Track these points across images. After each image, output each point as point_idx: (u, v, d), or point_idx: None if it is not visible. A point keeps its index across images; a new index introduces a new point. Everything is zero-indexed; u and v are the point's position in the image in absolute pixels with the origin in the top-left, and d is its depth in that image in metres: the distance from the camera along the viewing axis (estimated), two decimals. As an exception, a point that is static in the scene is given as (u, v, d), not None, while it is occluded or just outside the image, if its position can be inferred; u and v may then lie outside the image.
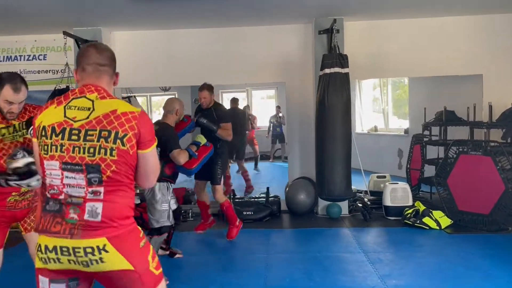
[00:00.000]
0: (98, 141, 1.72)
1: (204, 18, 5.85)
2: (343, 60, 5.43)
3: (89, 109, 1.76)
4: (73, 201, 1.72)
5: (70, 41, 5.86)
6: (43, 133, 1.76)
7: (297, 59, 6.34)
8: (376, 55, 6.23)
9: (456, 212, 5.40)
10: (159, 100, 13.85)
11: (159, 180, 3.89)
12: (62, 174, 1.72)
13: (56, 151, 1.73)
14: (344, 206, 6.02)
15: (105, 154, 1.72)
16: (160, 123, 4.09)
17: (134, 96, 7.19)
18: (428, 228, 5.26)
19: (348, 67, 5.43)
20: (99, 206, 1.71)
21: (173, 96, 4.75)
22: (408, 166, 6.90)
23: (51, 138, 1.74)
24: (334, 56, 5.47)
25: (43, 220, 1.74)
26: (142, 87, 9.42)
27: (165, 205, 3.96)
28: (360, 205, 6.02)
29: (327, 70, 5.42)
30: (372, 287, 3.71)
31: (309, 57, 6.22)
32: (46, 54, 6.40)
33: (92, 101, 1.78)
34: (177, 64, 6.41)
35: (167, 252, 4.51)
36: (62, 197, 1.73)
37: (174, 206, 4.10)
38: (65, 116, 1.76)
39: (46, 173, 1.77)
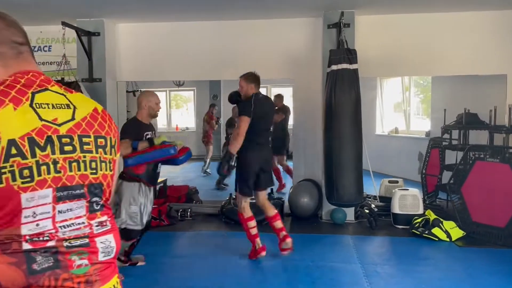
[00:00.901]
0: (96, 152, 1.25)
1: (209, 10, 5.60)
2: (351, 56, 5.09)
3: (68, 106, 1.22)
4: (72, 243, 1.16)
5: (74, 33, 5.73)
6: (15, 152, 1.09)
7: (305, 55, 5.98)
8: (392, 52, 5.80)
9: (469, 223, 4.97)
10: (172, 96, 13.83)
11: (127, 179, 3.69)
12: (54, 210, 1.14)
13: (49, 173, 1.13)
14: (350, 212, 5.64)
15: (106, 169, 1.28)
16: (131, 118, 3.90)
17: (140, 90, 7.01)
18: (437, 239, 4.85)
19: (357, 63, 5.09)
20: (111, 239, 1.26)
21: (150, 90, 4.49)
22: (424, 171, 6.43)
23: (34, 155, 1.11)
24: (341, 51, 5.13)
25: (37, 285, 1.11)
26: (157, 81, 9.37)
27: (134, 207, 3.68)
28: (366, 211, 5.63)
29: (334, 67, 5.10)
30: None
31: (318, 52, 5.85)
32: (51, 46, 6.32)
33: (64, 95, 1.24)
34: (182, 58, 6.18)
35: (126, 265, 3.96)
36: (52, 243, 1.13)
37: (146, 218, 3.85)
38: (41, 119, 1.15)
39: (24, 215, 1.10)
